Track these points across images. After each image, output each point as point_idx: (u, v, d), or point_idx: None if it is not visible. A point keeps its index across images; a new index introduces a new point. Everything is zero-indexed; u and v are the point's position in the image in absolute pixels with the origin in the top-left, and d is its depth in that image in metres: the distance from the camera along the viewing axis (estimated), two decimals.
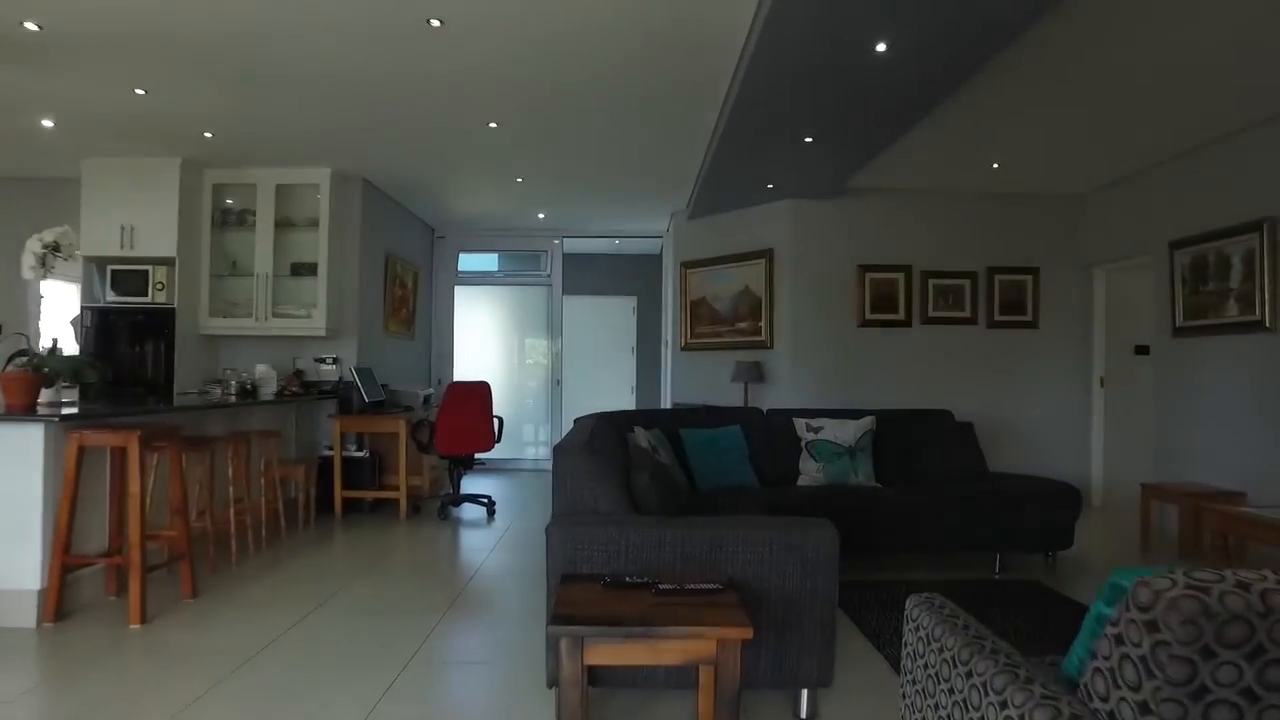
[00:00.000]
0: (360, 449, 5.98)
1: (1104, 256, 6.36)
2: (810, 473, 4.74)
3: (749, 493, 4.38)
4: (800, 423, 4.92)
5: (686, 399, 7.30)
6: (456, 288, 8.61)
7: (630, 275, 10.86)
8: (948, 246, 6.55)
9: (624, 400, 10.81)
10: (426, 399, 6.93)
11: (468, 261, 8.77)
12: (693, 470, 4.56)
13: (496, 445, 6.10)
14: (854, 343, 6.50)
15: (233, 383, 5.45)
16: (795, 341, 6.48)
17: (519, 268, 8.85)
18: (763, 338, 6.65)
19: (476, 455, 5.99)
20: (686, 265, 7.38)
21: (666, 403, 7.87)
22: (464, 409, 5.74)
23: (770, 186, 6.10)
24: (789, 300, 6.49)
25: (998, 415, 6.47)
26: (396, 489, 5.79)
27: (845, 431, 4.83)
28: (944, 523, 4.29)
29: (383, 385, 6.37)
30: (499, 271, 8.89)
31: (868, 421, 4.90)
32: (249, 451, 4.73)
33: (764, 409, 5.27)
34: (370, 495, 5.88)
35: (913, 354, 6.50)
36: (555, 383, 8.58)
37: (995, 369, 6.53)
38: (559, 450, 2.79)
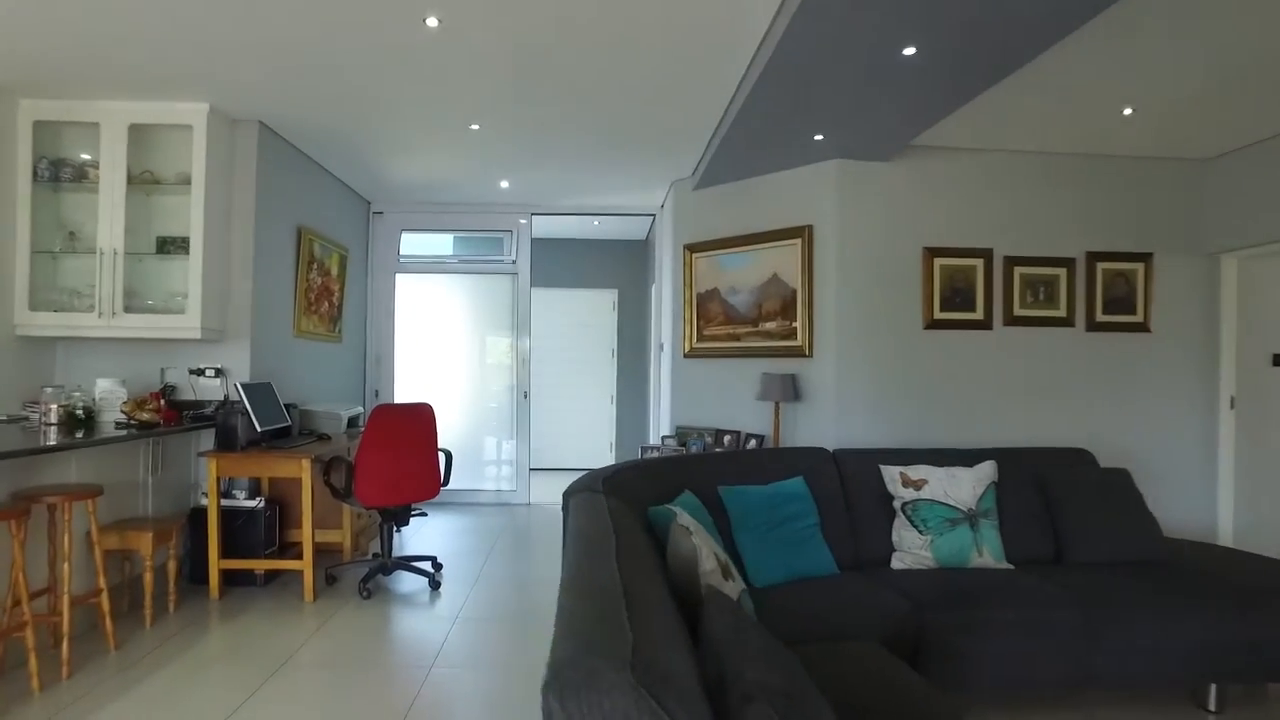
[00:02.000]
0: (253, 497, 4.27)
1: (1236, 240, 4.90)
2: (912, 549, 3.19)
3: (832, 591, 2.81)
4: (891, 472, 3.36)
5: (693, 420, 5.70)
6: (399, 277, 6.89)
7: (611, 264, 9.22)
8: (1038, 225, 5.04)
9: (603, 416, 9.19)
10: (354, 421, 5.22)
11: (413, 244, 7.06)
12: (742, 551, 2.98)
13: (444, 487, 4.44)
14: (919, 350, 4.96)
15: (53, 407, 3.71)
16: (842, 348, 4.92)
17: (478, 252, 7.17)
18: (798, 342, 5.08)
19: (416, 508, 4.33)
20: (692, 249, 5.78)
21: (662, 424, 6.27)
22: (394, 443, 4.07)
23: (818, 138, 4.52)
24: (834, 293, 4.93)
25: (1099, 445, 4.99)
26: (302, 556, 4.09)
27: (960, 487, 3.28)
28: (1136, 637, 2.75)
29: (289, 406, 4.67)
30: (452, 256, 7.20)
31: (988, 470, 3.36)
32: (55, 517, 3.04)
33: (829, 449, 3.69)
34: (264, 566, 4.18)
35: (993, 365, 4.99)
36: (523, 395, 6.91)
37: (1096, 384, 5.04)
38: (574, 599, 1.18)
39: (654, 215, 7.02)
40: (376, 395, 6.80)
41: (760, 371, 5.26)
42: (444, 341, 7.00)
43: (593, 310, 9.22)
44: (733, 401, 5.48)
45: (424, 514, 4.38)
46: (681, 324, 5.86)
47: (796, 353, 5.08)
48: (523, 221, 6.91)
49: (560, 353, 9.10)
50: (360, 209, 6.60)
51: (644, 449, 5.35)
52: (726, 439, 5.33)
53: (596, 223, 8.18)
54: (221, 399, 4.35)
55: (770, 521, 3.06)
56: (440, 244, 7.24)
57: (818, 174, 5.03)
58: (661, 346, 6.73)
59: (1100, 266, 5.06)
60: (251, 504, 4.22)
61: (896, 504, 3.29)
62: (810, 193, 5.07)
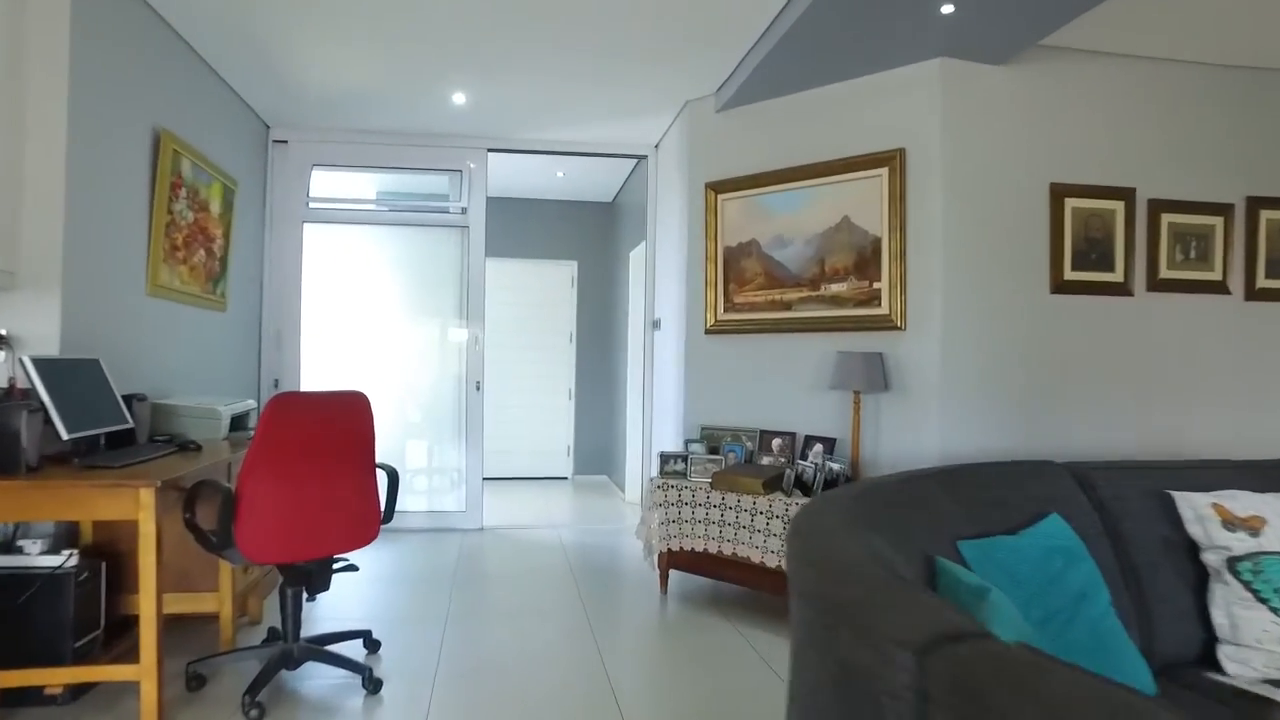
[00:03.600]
0: (59, 550, 2.55)
1: None
2: (1262, 641, 1.80)
3: None
4: (1193, 504, 1.97)
5: (721, 418, 4.24)
6: (309, 228, 5.16)
7: (570, 230, 7.66)
8: (1193, 159, 3.80)
9: (559, 414, 7.62)
10: (241, 422, 3.51)
11: (328, 184, 5.33)
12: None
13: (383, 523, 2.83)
14: (1045, 321, 3.64)
15: None
16: (950, 318, 3.55)
17: (416, 198, 5.50)
18: (882, 310, 3.69)
19: (342, 559, 2.70)
20: (719, 189, 4.31)
21: (665, 423, 4.79)
22: (304, 460, 2.44)
23: (946, 9, 3.12)
24: (940, 242, 3.55)
25: (1259, 452, 3.80)
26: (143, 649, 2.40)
27: None
28: None
29: (132, 399, 2.96)
30: (382, 202, 5.50)
31: None
32: None
33: (1052, 461, 2.28)
34: (64, 679, 2.46)
35: (1133, 342, 3.72)
36: (474, 386, 5.28)
37: (1253, 370, 3.85)
38: None
39: (644, 157, 5.51)
40: (276, 386, 5.05)
41: (827, 350, 3.84)
42: (369, 316, 5.30)
43: (547, 286, 7.64)
44: (780, 392, 4.04)
45: (354, 567, 2.74)
46: (701, 290, 4.38)
47: (881, 324, 3.68)
48: (473, 165, 5.28)
49: (507, 336, 7.48)
50: (255, 134, 4.84)
51: (664, 457, 3.85)
52: (777, 443, 3.88)
53: (561, 174, 6.60)
54: (7, 386, 2.60)
55: (1049, 606, 1.62)
56: (365, 186, 5.53)
57: (914, 79, 3.64)
58: (657, 324, 5.23)
59: (1264, 216, 3.87)
60: (50, 563, 2.50)
61: (1213, 559, 1.91)
62: (902, 105, 3.68)
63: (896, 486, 1.76)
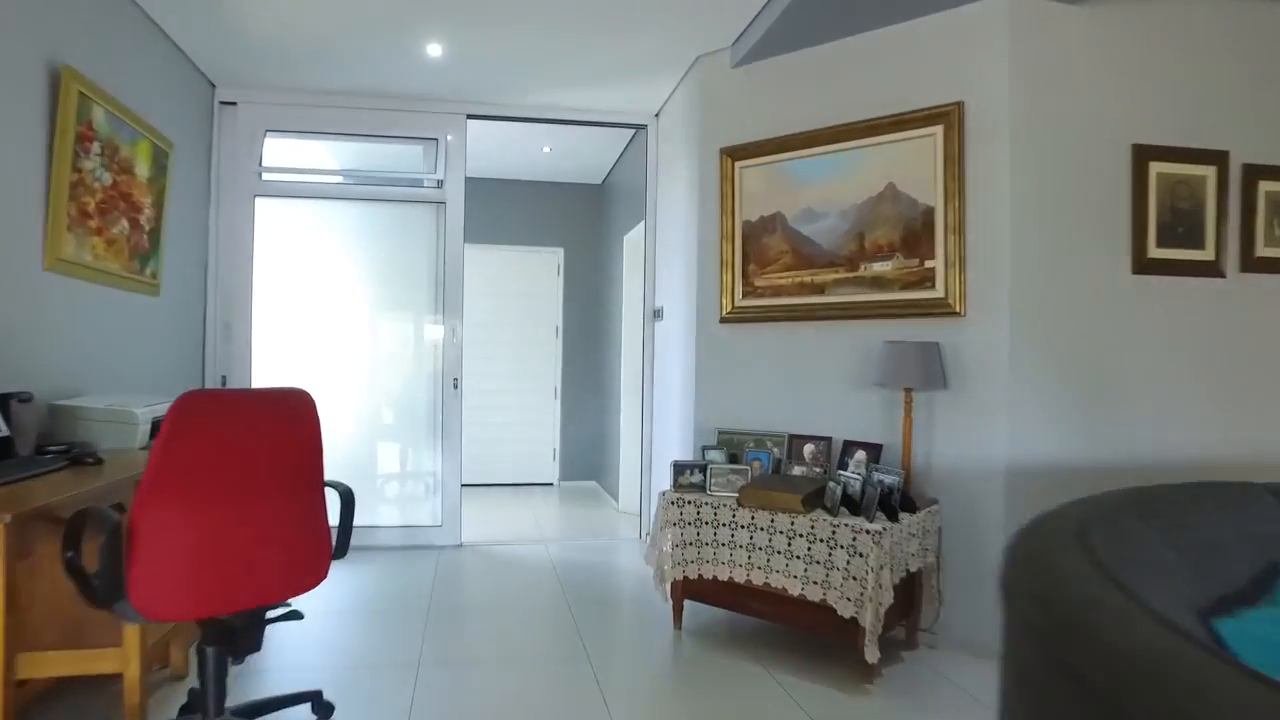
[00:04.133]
0: None
1: None
2: None
3: None
4: None
5: (738, 420, 3.66)
6: (262, 202, 4.50)
7: (556, 214, 7.05)
8: None
9: (544, 415, 7.02)
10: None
11: (284, 153, 4.68)
12: None
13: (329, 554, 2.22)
14: (1126, 306, 3.10)
15: None
16: (1019, 302, 2.99)
17: (386, 169, 4.86)
18: (936, 292, 3.12)
19: (283, 606, 2.08)
20: (737, 155, 3.74)
21: (670, 425, 4.21)
22: (221, 481, 1.82)
23: None
24: (1008, 212, 3.00)
25: None
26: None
27: None
28: None
29: (15, 397, 2.32)
30: (346, 174, 4.85)
31: None
32: None
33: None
34: None
35: (1227, 332, 3.18)
36: (451, 384, 4.66)
37: None
38: None
39: (644, 126, 4.92)
40: (225, 384, 4.40)
41: (869, 340, 3.27)
42: (332, 304, 4.65)
43: (530, 275, 7.02)
44: (812, 389, 3.47)
45: (297, 615, 2.12)
46: (715, 273, 3.80)
47: (934, 309, 3.12)
48: (450, 137, 4.65)
49: (487, 330, 6.85)
50: (197, 91, 4.19)
51: (678, 467, 3.25)
52: (810, 450, 3.30)
53: (548, 149, 5.99)
54: None
55: None
56: (327, 156, 4.88)
57: (976, 20, 3.08)
58: (659, 314, 4.64)
59: None
60: None
61: None
62: (961, 51, 3.12)
63: (1102, 514, 1.18)
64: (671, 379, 4.36)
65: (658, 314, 4.69)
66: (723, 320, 3.75)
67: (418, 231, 4.70)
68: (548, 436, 7.04)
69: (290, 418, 1.96)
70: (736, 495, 3.03)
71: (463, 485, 6.56)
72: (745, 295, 3.69)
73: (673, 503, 3.14)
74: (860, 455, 3.16)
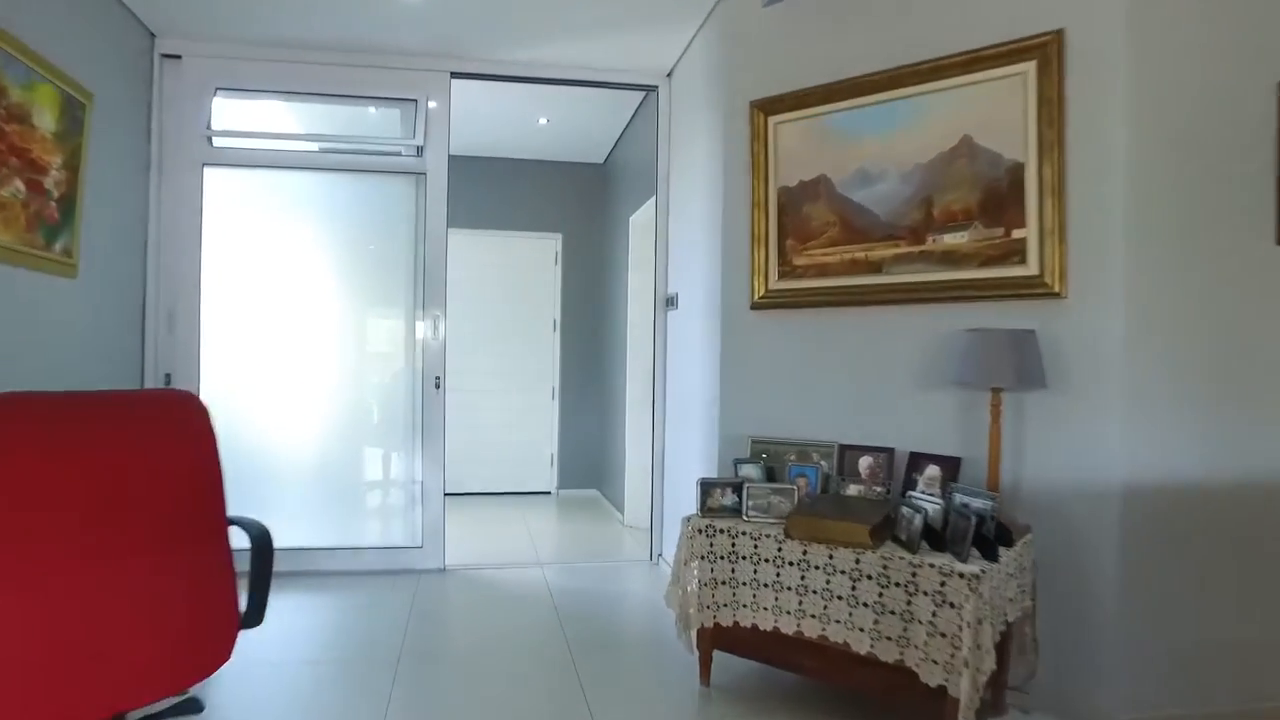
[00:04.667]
0: None
1: None
2: None
3: None
4: None
5: (774, 428, 3.04)
6: (211, 173, 3.87)
7: (553, 197, 6.44)
8: None
9: (541, 416, 6.41)
10: None
11: (237, 115, 4.05)
12: None
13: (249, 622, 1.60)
14: (1267, 286, 2.49)
15: None
16: (1141, 279, 2.38)
17: (356, 133, 4.23)
18: (1028, 269, 2.51)
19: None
20: (769, 108, 3.12)
21: (693, 432, 3.59)
22: (53, 534, 1.20)
23: None
24: (1123, 168, 2.38)
25: None
26: None
27: None
28: None
29: None
30: (310, 140, 4.21)
31: None
32: None
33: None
34: None
35: None
36: (433, 384, 4.03)
37: None
38: None
39: (654, 88, 4.30)
40: (168, 383, 3.78)
41: (941, 328, 2.66)
42: (294, 292, 4.01)
43: (525, 263, 6.40)
44: (868, 389, 2.85)
45: (194, 707, 1.49)
46: (745, 250, 3.18)
47: (1026, 289, 2.50)
48: (432, 99, 4.03)
49: (477, 324, 6.24)
50: (130, 38, 3.56)
51: (706, 487, 2.63)
52: (867, 464, 2.69)
53: (544, 120, 5.37)
54: None
55: None
56: (288, 119, 4.25)
57: None
58: (672, 302, 4.03)
59: None
60: None
61: None
62: None
63: None
64: (688, 377, 3.75)
65: (671, 302, 4.08)
66: (754, 306, 3.13)
67: (395, 208, 4.07)
68: (545, 441, 6.42)
69: (165, 435, 1.34)
70: (782, 523, 2.42)
71: (451, 495, 5.95)
72: (782, 277, 3.07)
73: (700, 531, 2.53)
74: (932, 471, 2.55)
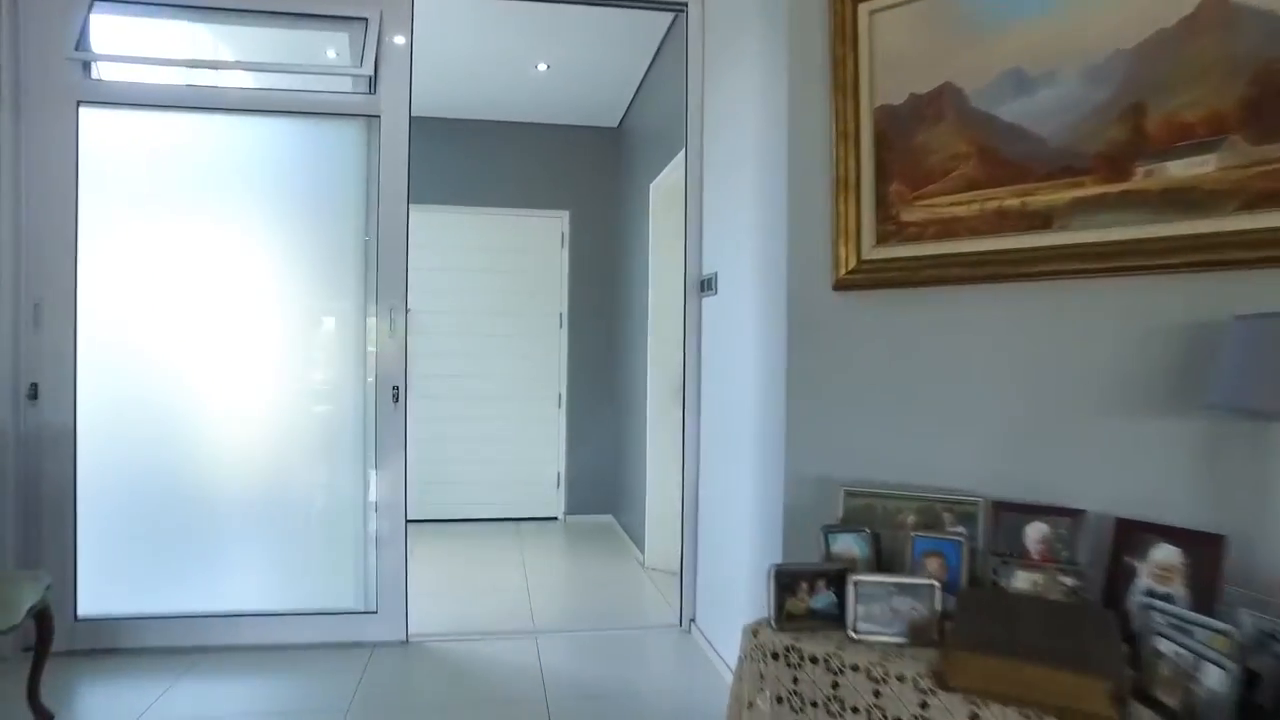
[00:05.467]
0: None
1: None
2: None
3: None
4: None
5: (878, 469, 1.99)
6: (89, 113, 2.89)
7: (558, 168, 5.44)
8: None
9: (545, 428, 5.43)
10: None
11: (123, 37, 3.05)
12: None
13: None
14: None
15: None
16: None
17: (284, 61, 3.22)
18: None
19: None
20: None
21: (743, 464, 2.58)
22: None
23: None
24: None
25: None
26: None
27: None
28: None
29: None
30: (228, 68, 3.19)
31: None
32: None
33: None
34: None
35: None
36: (390, 395, 3.01)
37: None
38: None
39: (682, 7, 3.27)
40: (35, 395, 2.81)
41: (1173, 314, 1.61)
42: (204, 279, 3.01)
43: (525, 247, 5.41)
44: (1032, 414, 1.80)
45: None
46: (824, 203, 2.15)
47: None
48: (388, 15, 3.02)
49: (467, 319, 5.27)
50: None
51: (783, 579, 1.61)
52: (1038, 537, 1.65)
53: (544, 66, 4.37)
54: None
55: None
56: (192, 44, 3.24)
57: None
58: (709, 285, 3.01)
59: None
60: None
61: None
62: None
63: None
64: (734, 384, 2.73)
65: (707, 286, 3.06)
66: (839, 286, 2.10)
67: (339, 165, 3.07)
68: (550, 457, 5.42)
69: None
70: (920, 652, 1.39)
71: (437, 521, 5.00)
72: (883, 240, 2.04)
73: (776, 656, 1.51)
74: (1166, 555, 1.51)
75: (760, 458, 2.46)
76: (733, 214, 2.79)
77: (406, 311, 3.02)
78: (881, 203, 2.05)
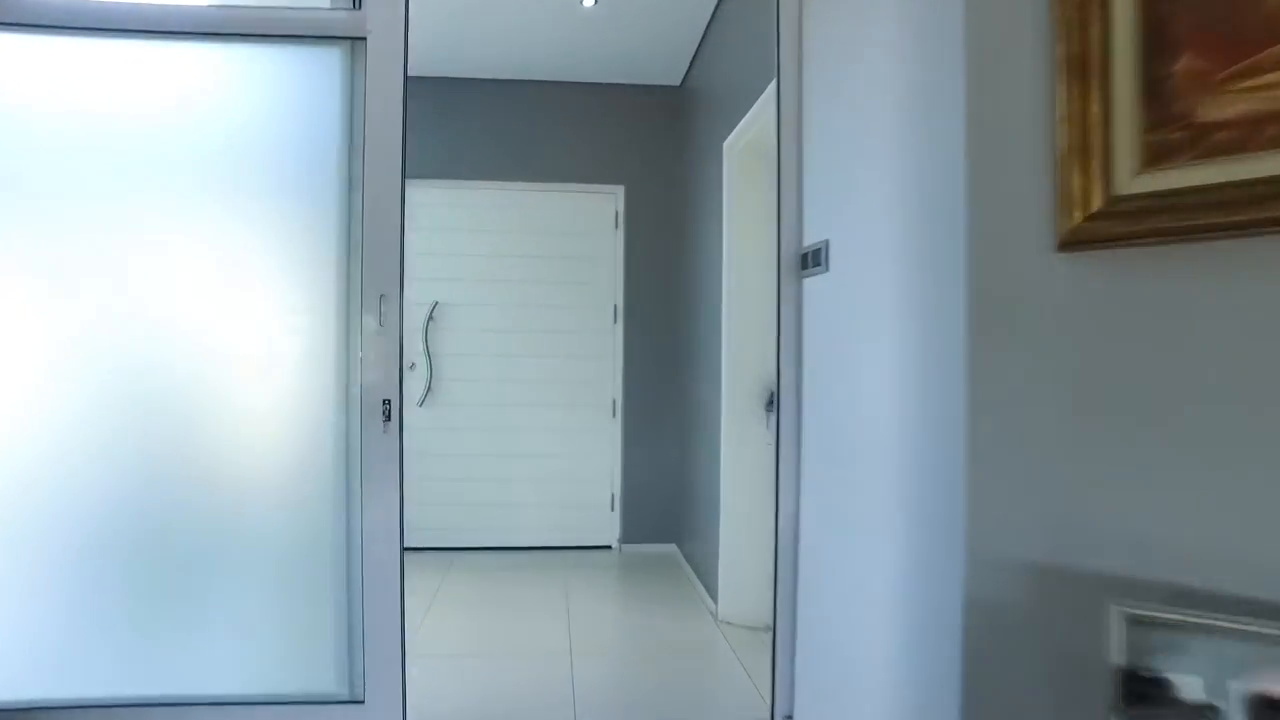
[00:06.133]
0: None
1: None
2: None
3: None
4: None
5: (1144, 556, 1.11)
6: None
7: (609, 134, 4.65)
8: None
9: (596, 441, 4.66)
10: None
11: None
12: None
13: None
14: None
15: None
16: None
17: None
18: None
19: None
20: None
21: (877, 524, 1.73)
22: None
23: None
24: None
25: None
26: None
27: None
28: None
29: None
30: None
31: None
32: None
33: None
34: None
35: None
36: (380, 411, 2.23)
37: None
38: None
39: None
40: None
41: None
42: (129, 256, 2.28)
43: (572, 230, 4.63)
44: None
45: None
46: (1044, 107, 1.26)
47: None
48: None
49: (501, 314, 4.52)
50: None
51: None
52: None
53: (590, 1, 3.56)
54: None
55: None
56: None
57: None
58: (813, 261, 2.16)
59: None
60: None
61: None
62: None
63: None
64: (861, 395, 1.88)
65: (811, 261, 2.20)
66: (1069, 243, 1.23)
67: (307, 108, 2.31)
68: (602, 475, 4.63)
69: None
70: None
71: (460, 550, 4.29)
72: (1157, 160, 1.17)
73: None
74: None
75: (910, 507, 1.60)
76: (851, 153, 1.94)
77: (401, 299, 2.25)
78: (1155, 95, 1.17)
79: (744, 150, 3.27)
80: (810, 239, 2.22)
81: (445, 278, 4.45)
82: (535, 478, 4.55)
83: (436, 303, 4.45)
